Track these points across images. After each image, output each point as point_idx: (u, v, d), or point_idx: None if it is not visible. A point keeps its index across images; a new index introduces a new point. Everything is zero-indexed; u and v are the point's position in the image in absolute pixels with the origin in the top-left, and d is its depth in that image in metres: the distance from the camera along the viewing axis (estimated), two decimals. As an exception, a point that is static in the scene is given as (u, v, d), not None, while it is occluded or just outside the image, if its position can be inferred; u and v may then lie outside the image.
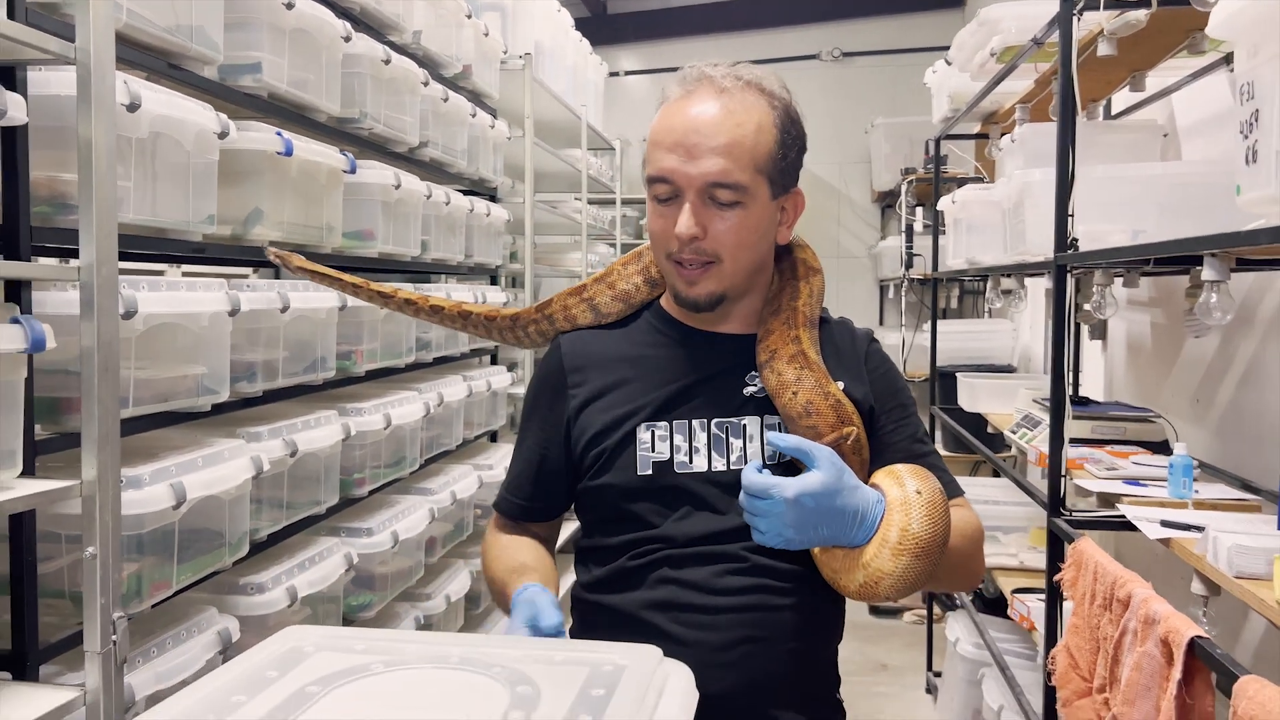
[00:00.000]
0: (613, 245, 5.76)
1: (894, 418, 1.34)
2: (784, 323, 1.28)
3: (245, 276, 2.38)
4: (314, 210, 2.08)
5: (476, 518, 2.93)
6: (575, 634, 1.35)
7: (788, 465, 1.24)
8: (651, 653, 0.95)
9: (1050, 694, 2.01)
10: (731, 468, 1.25)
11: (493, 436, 3.34)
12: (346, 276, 1.60)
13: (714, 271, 1.24)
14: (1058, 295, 2.05)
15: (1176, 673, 1.35)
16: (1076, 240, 1.97)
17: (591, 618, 1.31)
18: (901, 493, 1.16)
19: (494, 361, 3.46)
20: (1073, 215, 1.98)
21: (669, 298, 1.34)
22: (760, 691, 1.21)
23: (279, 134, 1.88)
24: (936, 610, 4.00)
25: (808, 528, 1.14)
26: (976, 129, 3.76)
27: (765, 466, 1.20)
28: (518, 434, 1.39)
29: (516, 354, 3.91)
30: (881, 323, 6.48)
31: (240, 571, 1.85)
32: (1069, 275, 2.07)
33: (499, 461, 3.03)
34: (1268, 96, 1.06)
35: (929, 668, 3.82)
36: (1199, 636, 1.34)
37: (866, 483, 1.20)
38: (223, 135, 1.70)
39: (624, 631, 1.23)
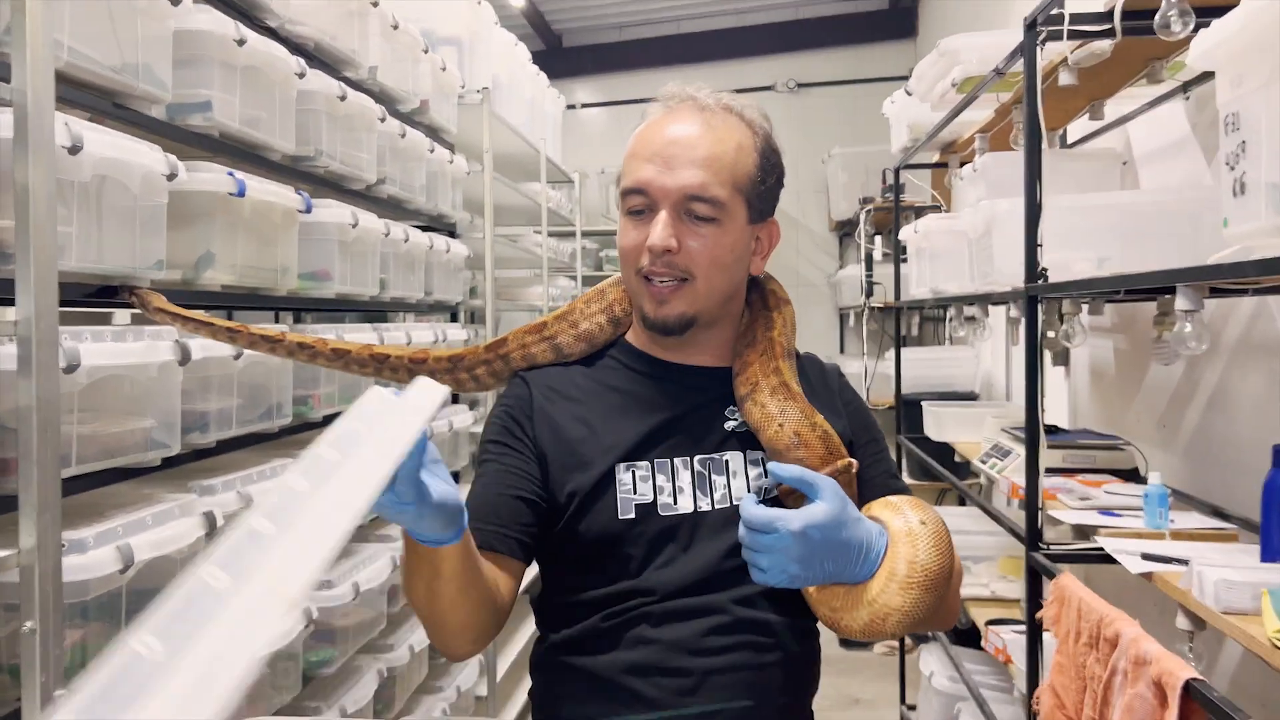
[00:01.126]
0: (573, 278, 5.72)
1: (869, 452, 1.30)
2: (761, 354, 1.23)
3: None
4: (268, 251, 2.00)
5: (440, 562, 2.84)
6: (539, 697, 1.25)
7: (775, 501, 1.18)
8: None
9: (1033, 732, 1.97)
10: (716, 506, 1.18)
11: (455, 477, 3.26)
12: (219, 321, 1.47)
13: (686, 291, 1.18)
14: (1029, 327, 2.02)
15: (1171, 716, 1.32)
16: (1045, 270, 1.95)
17: (560, 680, 1.20)
18: (905, 524, 1.11)
19: (455, 400, 3.39)
20: (1041, 245, 1.96)
21: (636, 330, 1.28)
22: None
23: (231, 174, 1.81)
24: (908, 641, 3.96)
25: (814, 563, 1.06)
26: (935, 158, 3.78)
27: (760, 501, 1.12)
28: (478, 469, 1.24)
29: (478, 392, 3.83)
30: (842, 350, 6.49)
31: (193, 632, 1.75)
32: (1039, 305, 2.06)
33: (462, 503, 2.94)
34: (1255, 127, 1.04)
35: (902, 701, 3.77)
36: (1194, 679, 1.31)
37: None
38: (171, 177, 1.63)
39: (599, 697, 1.15)
